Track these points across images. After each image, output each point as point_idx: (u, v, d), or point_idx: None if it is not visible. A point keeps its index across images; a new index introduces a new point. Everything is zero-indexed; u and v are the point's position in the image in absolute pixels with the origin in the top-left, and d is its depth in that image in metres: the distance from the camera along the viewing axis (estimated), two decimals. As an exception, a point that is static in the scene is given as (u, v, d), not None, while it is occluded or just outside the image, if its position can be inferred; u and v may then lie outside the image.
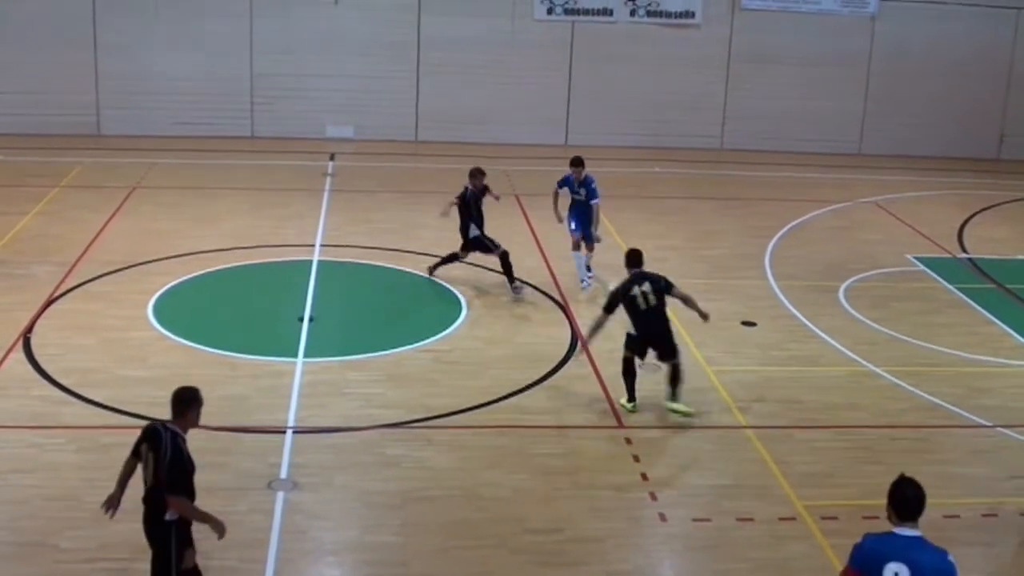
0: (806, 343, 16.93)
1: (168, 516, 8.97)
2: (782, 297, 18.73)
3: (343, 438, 13.11)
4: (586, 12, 28.94)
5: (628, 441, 13.52)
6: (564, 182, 19.04)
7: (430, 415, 13.82)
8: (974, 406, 15.16)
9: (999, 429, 14.58)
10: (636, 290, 14.10)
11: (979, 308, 18.95)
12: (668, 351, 14.25)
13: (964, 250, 22.26)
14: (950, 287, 19.88)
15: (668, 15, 29.13)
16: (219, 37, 27.88)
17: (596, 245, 18.96)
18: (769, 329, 17.30)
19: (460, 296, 17.79)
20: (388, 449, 13.03)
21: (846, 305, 18.55)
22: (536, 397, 14.60)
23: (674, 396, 14.30)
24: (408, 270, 18.99)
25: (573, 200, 18.93)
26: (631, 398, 14.37)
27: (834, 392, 15.29)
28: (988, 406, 15.21)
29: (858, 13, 29.68)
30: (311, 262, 19.05)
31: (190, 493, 9.09)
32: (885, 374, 15.96)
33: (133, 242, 19.82)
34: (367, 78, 28.39)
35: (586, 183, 18.72)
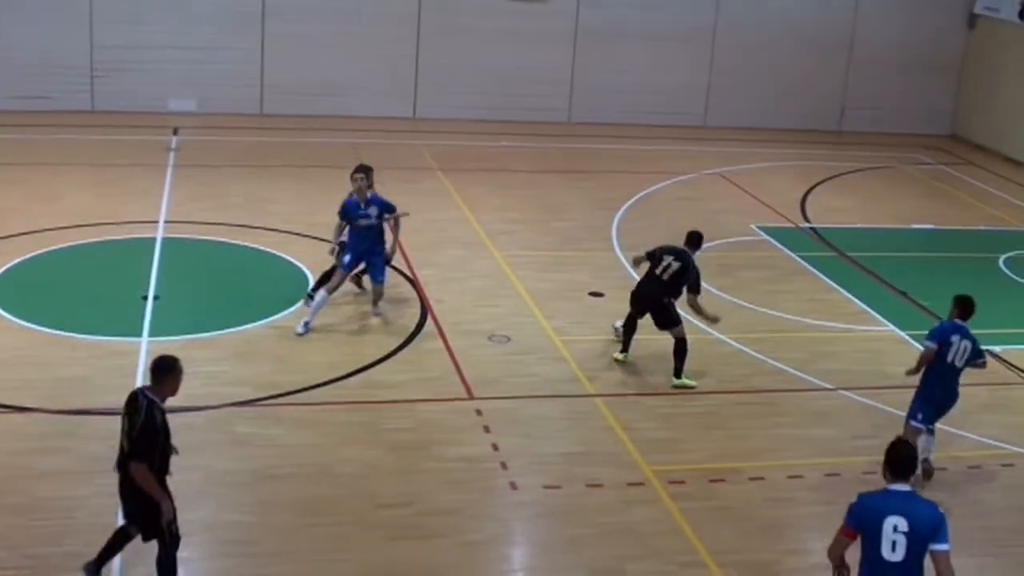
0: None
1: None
2: (629, 268, 18.99)
3: (191, 418, 12.91)
4: (432, -18, 28.87)
5: (479, 412, 13.62)
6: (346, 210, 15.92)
7: (279, 392, 13.72)
8: (817, 370, 15.64)
9: (841, 392, 15.08)
10: (668, 259, 14.93)
11: (821, 275, 19.48)
12: (664, 321, 14.96)
13: (807, 219, 22.85)
14: (793, 255, 20.40)
15: (517, -12, 29.21)
16: (57, 6, 27.07)
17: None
18: (617, 299, 17.46)
19: (307, 272, 17.65)
20: (237, 427, 12.91)
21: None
22: (386, 371, 14.60)
23: (677, 372, 14.90)
24: (255, 246, 18.75)
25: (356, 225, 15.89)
26: (624, 349, 15.28)
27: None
28: (831, 370, 15.70)
29: (703, -13, 30.18)
30: (155, 239, 18.68)
31: (155, 463, 9.14)
32: (731, 341, 16.33)
33: (-33, 221, 19.23)
34: (211, 49, 27.84)
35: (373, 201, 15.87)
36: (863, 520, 8.34)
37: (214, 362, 14.44)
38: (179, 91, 27.86)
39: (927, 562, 8.22)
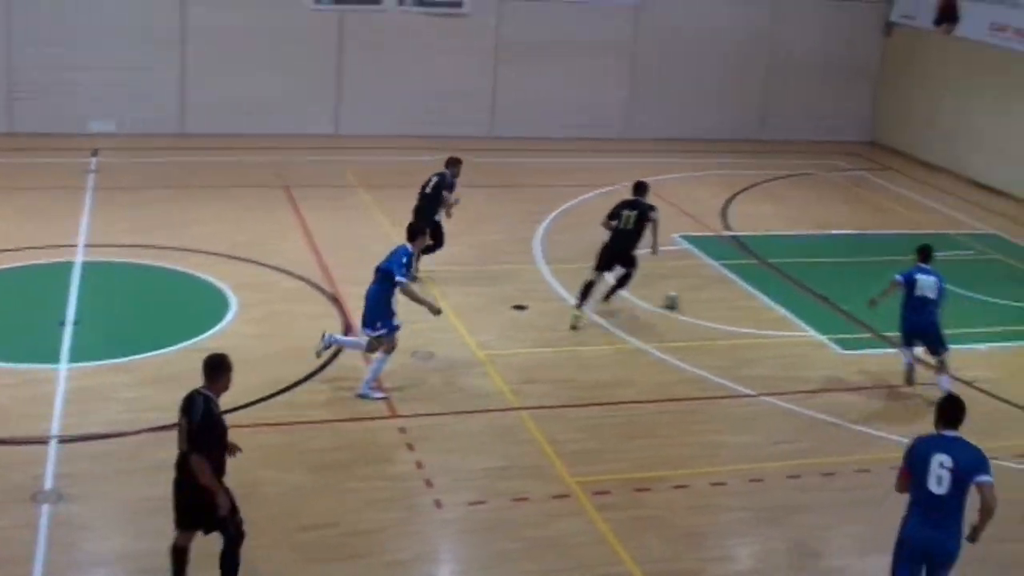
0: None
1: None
2: (552, 280, 19.05)
3: (110, 445, 12.76)
4: (356, 1, 28.76)
5: (402, 430, 13.56)
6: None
7: (201, 415, 13.54)
8: (739, 377, 15.76)
9: (763, 397, 15.21)
10: (625, 212, 17.34)
11: (742, 283, 19.66)
12: (627, 262, 17.53)
13: (728, 227, 23.02)
14: (714, 264, 20.55)
15: (436, 4, 29.18)
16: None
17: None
18: (540, 312, 17.56)
19: (228, 293, 17.49)
20: (159, 453, 12.58)
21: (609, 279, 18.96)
22: (309, 392, 14.49)
23: (583, 299, 17.00)
24: (176, 268, 18.55)
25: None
26: (578, 306, 16.87)
27: (604, 370, 15.65)
28: (752, 376, 15.83)
29: (622, 1, 30.30)
30: (73, 263, 18.42)
31: (215, 457, 9.63)
32: (653, 350, 16.40)
33: None
34: (130, 70, 27.50)
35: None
36: (914, 460, 9.53)
37: (135, 387, 14.26)
38: (99, 112, 27.52)
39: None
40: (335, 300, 17.52)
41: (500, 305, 17.68)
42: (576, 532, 11.68)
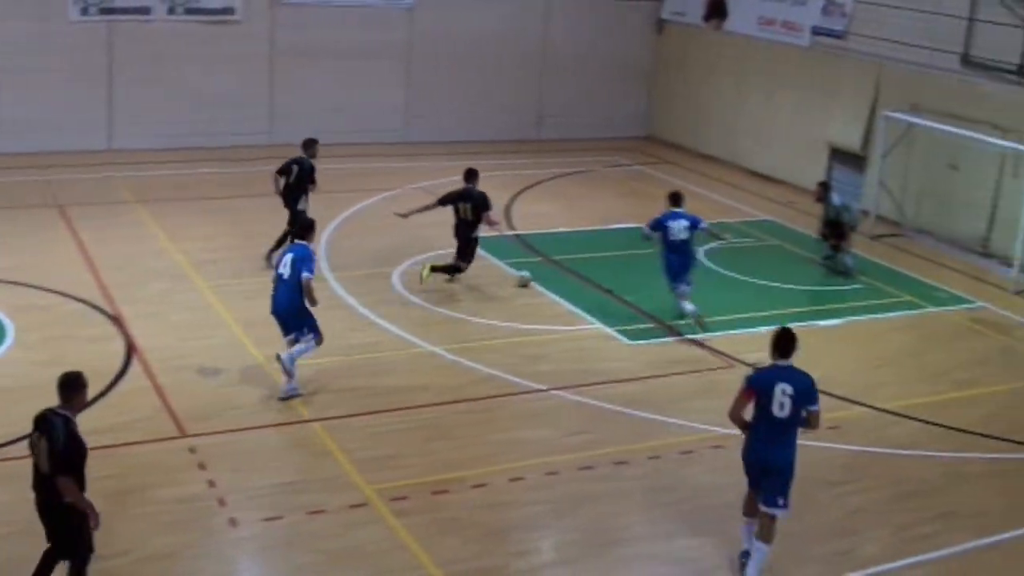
0: (364, 331, 17.22)
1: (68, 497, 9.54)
2: (338, 288, 18.92)
3: None
4: (123, 11, 27.92)
5: (192, 450, 13.26)
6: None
7: (-24, 448, 12.99)
8: (530, 373, 15.95)
9: (554, 392, 15.43)
10: (460, 204, 19.12)
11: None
12: (467, 253, 19.33)
13: (511, 227, 23.25)
14: (501, 264, 20.73)
15: (207, 12, 28.61)
16: None
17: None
18: (327, 320, 17.25)
19: (4, 318, 16.81)
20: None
21: (401, 290, 19.01)
22: (92, 417, 13.87)
23: (437, 268, 19.06)
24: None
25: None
26: (432, 270, 18.90)
27: (396, 375, 15.63)
28: (543, 371, 16.05)
29: (396, 4, 30.31)
30: None
31: (79, 477, 9.63)
32: (444, 352, 16.46)
33: None
34: None
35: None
36: (759, 386, 10.89)
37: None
38: None
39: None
40: (116, 321, 17.00)
41: (287, 316, 17.44)
42: (376, 540, 11.63)
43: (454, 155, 28.80)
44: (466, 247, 19.24)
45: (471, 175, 19.18)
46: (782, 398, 10.78)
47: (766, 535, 11.14)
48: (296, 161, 19.76)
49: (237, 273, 19.30)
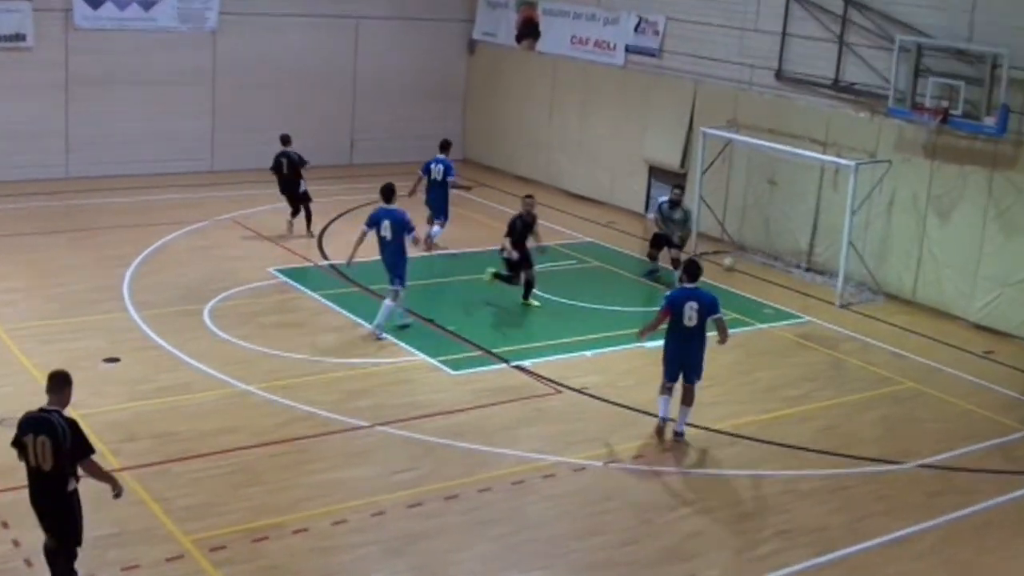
0: (175, 372, 16.74)
1: (70, 486, 10.48)
2: (145, 327, 18.39)
3: None
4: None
5: (-9, 508, 12.69)
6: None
7: None
8: (351, 409, 15.74)
9: (378, 428, 15.23)
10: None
11: (346, 312, 19.67)
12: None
13: (325, 256, 22.99)
14: (315, 295, 20.46)
15: (-4, 39, 27.67)
16: None
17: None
18: (134, 363, 16.90)
19: None
20: None
21: (212, 327, 18.56)
22: None
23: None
24: None
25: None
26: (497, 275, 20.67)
27: (209, 418, 15.22)
28: (365, 407, 15.86)
29: (197, 28, 29.73)
30: None
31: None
32: (259, 391, 16.13)
33: None
34: None
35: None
36: (672, 306, 15.03)
37: None
38: None
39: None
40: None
41: (88, 360, 16.82)
42: (194, 593, 11.29)
43: (263, 183, 28.27)
44: (525, 255, 20.56)
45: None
46: (690, 312, 14.90)
47: (689, 400, 15.35)
48: (283, 155, 24.32)
49: (35, 315, 18.63)
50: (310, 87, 31.20)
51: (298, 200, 24.41)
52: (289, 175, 24.26)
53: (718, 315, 15.12)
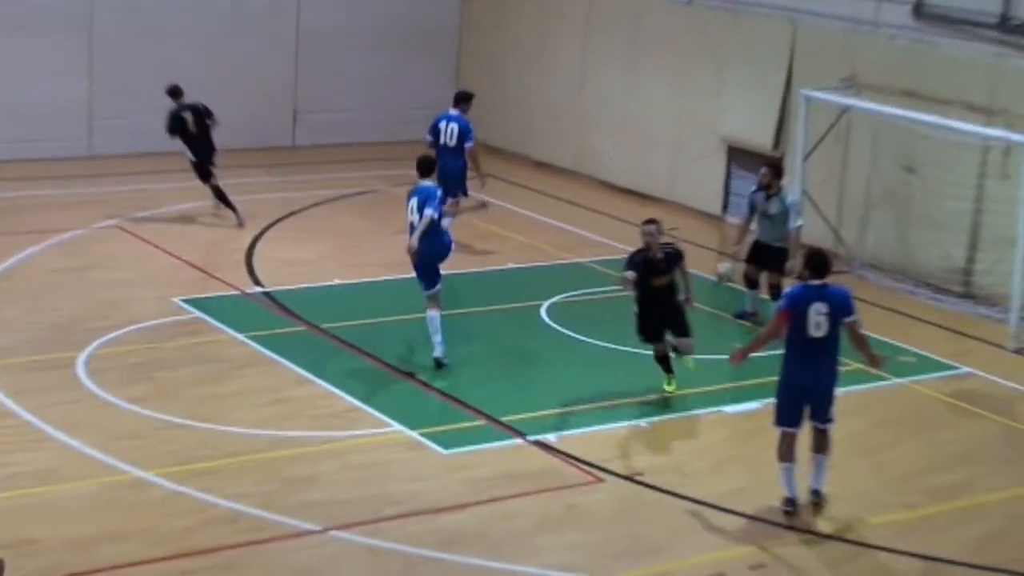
0: (35, 451, 16.75)
1: None
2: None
3: None
4: None
5: None
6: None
7: None
8: (295, 505, 15.65)
9: (332, 533, 15.10)
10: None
11: (287, 362, 19.70)
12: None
13: (257, 281, 22.94)
14: (242, 337, 20.49)
15: None
16: None
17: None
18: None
19: None
20: None
21: (90, 384, 18.60)
22: None
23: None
24: None
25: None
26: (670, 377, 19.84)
27: (84, 520, 15.12)
28: (314, 502, 15.79)
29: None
30: None
31: None
32: (160, 480, 16.04)
33: None
34: None
35: None
36: (794, 306, 15.45)
37: None
38: None
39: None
40: None
41: None
42: None
43: (162, 172, 28.41)
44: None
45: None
46: (817, 318, 15.32)
47: (824, 447, 15.97)
48: (183, 109, 25.21)
49: None
50: (231, 38, 31.45)
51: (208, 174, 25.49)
52: (200, 134, 24.76)
53: (852, 317, 15.71)
